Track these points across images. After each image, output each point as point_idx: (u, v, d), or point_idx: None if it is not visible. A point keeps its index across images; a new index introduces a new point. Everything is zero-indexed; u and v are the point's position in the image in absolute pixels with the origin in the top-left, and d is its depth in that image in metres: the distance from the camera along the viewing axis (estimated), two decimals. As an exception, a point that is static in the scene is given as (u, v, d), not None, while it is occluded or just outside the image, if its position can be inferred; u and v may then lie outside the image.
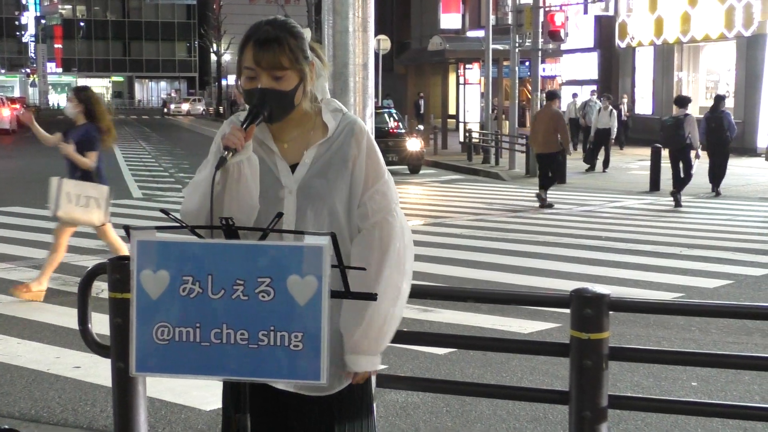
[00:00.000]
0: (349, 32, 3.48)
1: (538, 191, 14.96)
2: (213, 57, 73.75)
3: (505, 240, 11.28)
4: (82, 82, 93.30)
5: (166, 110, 71.09)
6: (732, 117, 17.10)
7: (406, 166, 21.02)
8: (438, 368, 5.91)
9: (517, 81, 23.38)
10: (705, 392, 5.50)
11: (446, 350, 6.13)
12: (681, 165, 14.83)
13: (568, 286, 3.87)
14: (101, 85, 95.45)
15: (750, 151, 25.39)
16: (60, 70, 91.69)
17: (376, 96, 28.27)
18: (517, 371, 5.86)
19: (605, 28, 33.64)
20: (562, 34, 23.03)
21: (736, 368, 5.30)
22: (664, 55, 30.81)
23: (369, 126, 3.41)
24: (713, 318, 6.82)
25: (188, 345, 2.18)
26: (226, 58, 69.64)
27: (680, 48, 30.30)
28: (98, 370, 5.55)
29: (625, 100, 28.74)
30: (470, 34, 38.58)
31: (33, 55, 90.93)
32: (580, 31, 33.55)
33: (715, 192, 16.38)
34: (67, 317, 6.92)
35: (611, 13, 33.01)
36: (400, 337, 4.10)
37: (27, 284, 7.77)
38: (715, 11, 27.80)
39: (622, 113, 26.98)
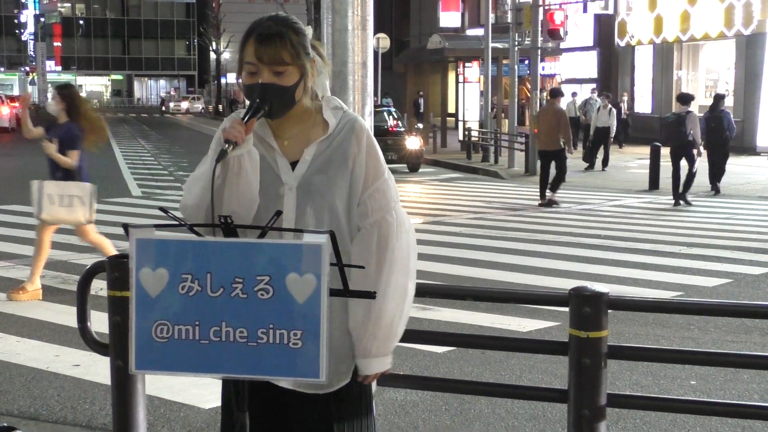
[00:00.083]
0: (348, 30, 3.48)
1: (549, 196, 14.91)
2: (212, 55, 73.69)
3: (504, 238, 11.28)
4: (81, 80, 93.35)
5: (164, 108, 71.03)
6: (732, 116, 17.11)
7: (405, 165, 21.02)
8: (437, 366, 5.91)
9: (516, 79, 23.38)
10: (704, 391, 5.50)
11: (445, 349, 6.13)
12: (683, 163, 14.79)
13: (567, 284, 3.87)
14: (100, 83, 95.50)
15: (749, 149, 25.39)
16: (59, 68, 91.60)
17: (375, 94, 28.28)
18: (516, 370, 5.87)
19: (605, 27, 33.63)
20: (562, 33, 23.02)
21: (734, 367, 5.30)
22: (664, 54, 30.81)
23: (368, 124, 3.41)
24: (712, 317, 6.83)
25: (187, 343, 2.18)
26: (226, 56, 69.63)
27: (680, 47, 30.29)
28: (97, 369, 5.55)
29: (625, 99, 28.73)
30: (469, 32, 38.56)
31: (32, 53, 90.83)
32: (579, 30, 33.52)
33: (715, 190, 16.38)
34: (66, 315, 6.92)
35: (611, 11, 33.01)
36: (399, 335, 4.09)
37: (22, 286, 7.76)
38: (714, 10, 27.80)
39: (622, 112, 26.97)
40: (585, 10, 32.54)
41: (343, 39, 3.49)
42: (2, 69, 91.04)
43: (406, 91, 45.20)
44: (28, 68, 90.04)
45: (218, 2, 73.18)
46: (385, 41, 29.61)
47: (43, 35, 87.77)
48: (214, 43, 69.22)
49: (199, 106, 71.77)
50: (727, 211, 14.15)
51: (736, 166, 18.32)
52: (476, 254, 10.02)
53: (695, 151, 14.73)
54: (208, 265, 2.17)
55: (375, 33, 20.76)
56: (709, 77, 30.07)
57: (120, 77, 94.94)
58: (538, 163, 15.84)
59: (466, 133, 25.41)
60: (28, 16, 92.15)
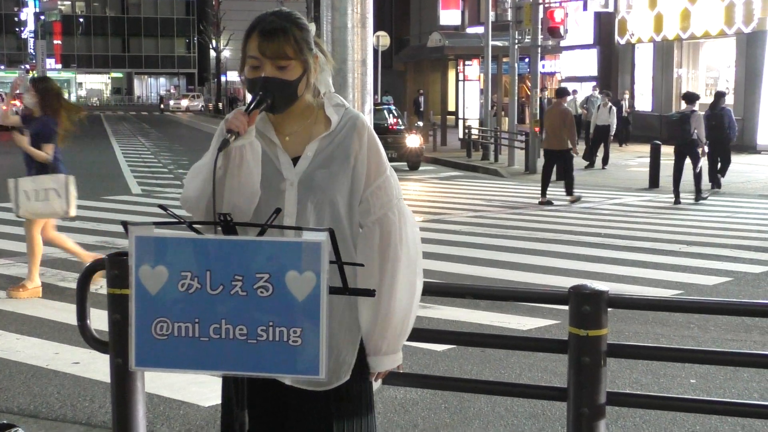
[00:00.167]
0: (348, 28, 3.48)
1: (567, 196, 14.94)
2: (212, 53, 73.66)
3: (504, 237, 11.28)
4: (81, 78, 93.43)
5: (163, 106, 70.94)
6: (733, 114, 17.14)
7: (405, 163, 21.02)
8: (436, 365, 5.91)
9: (516, 78, 23.37)
10: (703, 389, 5.50)
11: (445, 347, 6.13)
12: (687, 161, 14.80)
13: (567, 282, 3.87)
14: (100, 81, 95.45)
15: (750, 148, 25.38)
16: (59, 66, 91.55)
17: (375, 92, 28.26)
18: (516, 368, 5.87)
19: (605, 25, 33.62)
20: (562, 31, 23.00)
21: (734, 365, 5.29)
22: (664, 52, 30.79)
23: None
24: (712, 315, 6.83)
25: (187, 340, 2.18)
26: (226, 54, 69.58)
27: (680, 45, 30.28)
28: (97, 366, 5.55)
29: (626, 97, 28.71)
30: (469, 30, 38.51)
31: (32, 51, 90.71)
32: (579, 28, 33.51)
33: (717, 186, 16.38)
34: (65, 313, 6.92)
35: (611, 9, 32.98)
36: (399, 333, 4.09)
37: (22, 284, 7.75)
38: (715, 8, 27.79)
39: (623, 110, 26.97)
40: (585, 8, 32.52)
41: (343, 37, 3.49)
42: (2, 67, 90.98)
43: (406, 89, 45.19)
44: (28, 66, 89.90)
45: (218, 0, 73.13)
46: (385, 39, 29.60)
47: (43, 33, 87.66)
48: (214, 41, 69.19)
49: (198, 104, 71.74)
50: (727, 210, 14.15)
51: (736, 164, 18.32)
52: (476, 252, 10.02)
53: (699, 150, 14.74)
54: (207, 263, 2.16)
55: (375, 31, 20.77)
56: (709, 75, 30.07)
57: (120, 75, 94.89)
58: (539, 162, 15.85)
59: (466, 131, 25.40)
60: (28, 14, 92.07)
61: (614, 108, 22.21)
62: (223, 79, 68.52)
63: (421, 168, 21.61)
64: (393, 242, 2.49)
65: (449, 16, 39.88)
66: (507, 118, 25.17)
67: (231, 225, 2.21)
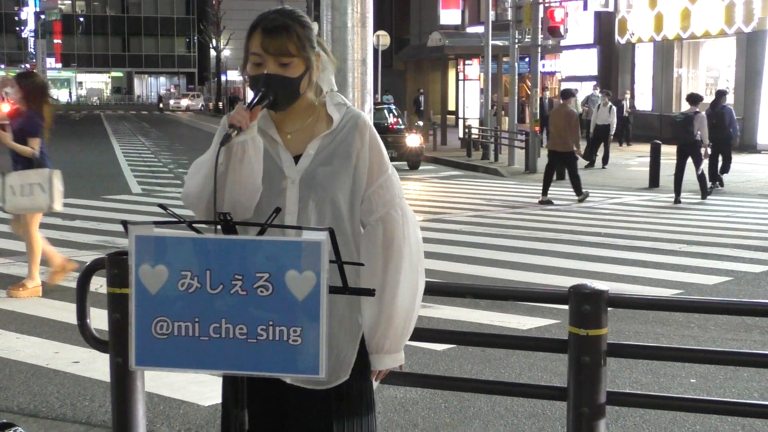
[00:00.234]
0: (348, 28, 3.48)
1: (576, 195, 14.96)
2: (212, 53, 73.67)
3: (504, 236, 11.28)
4: (81, 77, 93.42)
5: (162, 105, 70.84)
6: (734, 113, 17.16)
7: (405, 162, 21.02)
8: (436, 364, 5.91)
9: (516, 77, 23.36)
10: (704, 389, 5.50)
11: (445, 346, 6.13)
12: (689, 161, 14.84)
13: (567, 282, 3.87)
14: (100, 81, 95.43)
15: (750, 147, 25.38)
16: (59, 65, 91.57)
17: (375, 92, 28.25)
18: (516, 367, 5.86)
19: (605, 24, 33.62)
20: (562, 30, 22.99)
21: (734, 365, 5.30)
22: (664, 52, 30.79)
23: (368, 121, 3.41)
24: (712, 315, 6.83)
25: (187, 339, 2.18)
26: (226, 53, 69.58)
27: (680, 44, 30.28)
28: (97, 365, 5.55)
29: (627, 97, 28.73)
30: (470, 30, 38.51)
31: (32, 50, 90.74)
32: (579, 27, 33.52)
33: (713, 188, 16.39)
34: (65, 312, 6.92)
35: (611, 9, 32.96)
36: (399, 332, 4.08)
37: (22, 283, 7.75)
38: (715, 7, 27.79)
39: (624, 110, 26.99)
40: (585, 7, 32.51)
41: (343, 36, 3.49)
42: (2, 66, 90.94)
43: (406, 88, 45.17)
44: (28, 65, 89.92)
45: (218, -1, 73.15)
46: (385, 39, 29.59)
47: (44, 32, 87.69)
48: (214, 41, 69.19)
49: (198, 103, 71.73)
50: (727, 209, 14.15)
51: (736, 164, 18.31)
52: (476, 252, 10.02)
53: (702, 151, 14.77)
54: (207, 262, 2.16)
55: (375, 30, 20.76)
56: (709, 75, 30.07)
57: (120, 74, 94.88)
58: (539, 161, 15.85)
59: (466, 130, 25.40)
60: (28, 14, 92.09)
61: (614, 107, 22.20)
62: (223, 78, 68.54)
63: (421, 167, 21.61)
64: (397, 241, 2.49)
65: (449, 16, 39.88)
66: (507, 118, 25.17)
67: (231, 224, 2.21)
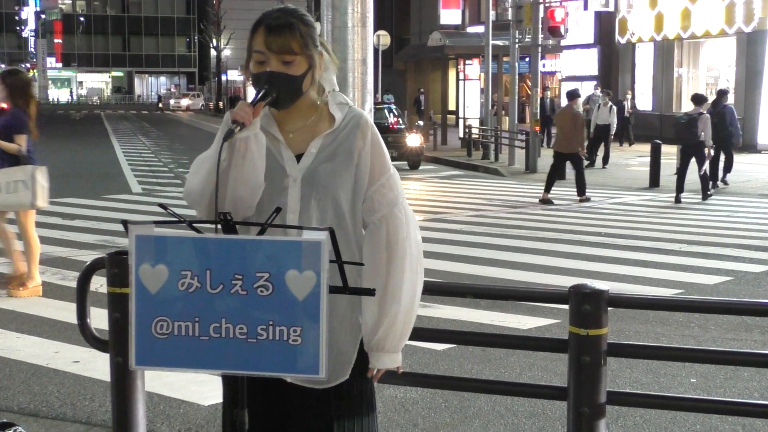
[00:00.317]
0: (348, 27, 3.48)
1: (578, 195, 15.00)
2: (213, 52, 73.68)
3: (504, 236, 11.28)
4: (81, 77, 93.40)
5: (161, 105, 70.76)
6: (735, 112, 17.18)
7: (405, 162, 21.02)
8: (437, 364, 5.91)
9: (516, 77, 23.36)
10: (704, 389, 5.50)
11: (445, 346, 6.13)
12: (693, 161, 14.90)
13: (567, 282, 3.87)
14: (101, 80, 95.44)
15: (750, 147, 25.38)
16: (60, 65, 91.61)
17: (376, 92, 28.24)
18: (516, 367, 5.86)
19: (605, 24, 33.61)
20: (562, 30, 23.00)
21: (735, 365, 5.30)
22: (664, 51, 30.79)
23: (368, 121, 3.41)
24: (712, 314, 6.83)
25: (187, 339, 2.18)
26: (226, 53, 69.60)
27: (680, 44, 30.27)
28: (97, 365, 5.55)
29: (629, 97, 28.73)
30: (470, 29, 38.50)
31: (33, 50, 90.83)
32: (580, 27, 33.51)
33: (715, 187, 16.39)
34: (66, 312, 6.92)
35: (611, 9, 32.95)
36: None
37: (22, 282, 7.74)
38: (715, 7, 27.78)
39: (626, 110, 27.01)
40: (586, 7, 32.50)
41: (343, 36, 3.49)
42: (3, 66, 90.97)
43: (406, 88, 45.16)
44: (28, 65, 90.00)
45: (219, -1, 73.17)
46: (385, 38, 29.58)
47: (44, 32, 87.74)
48: (214, 40, 69.20)
49: (199, 102, 71.74)
50: (727, 209, 14.15)
51: (736, 163, 18.31)
52: (476, 252, 10.02)
53: (705, 152, 14.80)
54: (207, 262, 2.16)
55: (375, 30, 20.77)
56: (709, 75, 30.07)
57: (120, 74, 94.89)
58: (539, 161, 15.84)
59: (467, 130, 25.39)
60: (28, 13, 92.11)
61: (614, 107, 22.21)
62: (223, 78, 68.57)
63: (421, 167, 21.61)
64: (401, 240, 2.50)
65: (450, 16, 39.86)
66: (507, 118, 25.17)
67: (231, 224, 2.21)
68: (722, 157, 17.14)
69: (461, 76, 32.76)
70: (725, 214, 13.60)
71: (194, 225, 2.26)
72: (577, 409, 3.31)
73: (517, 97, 24.07)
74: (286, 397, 2.51)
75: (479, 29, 31.44)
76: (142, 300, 2.19)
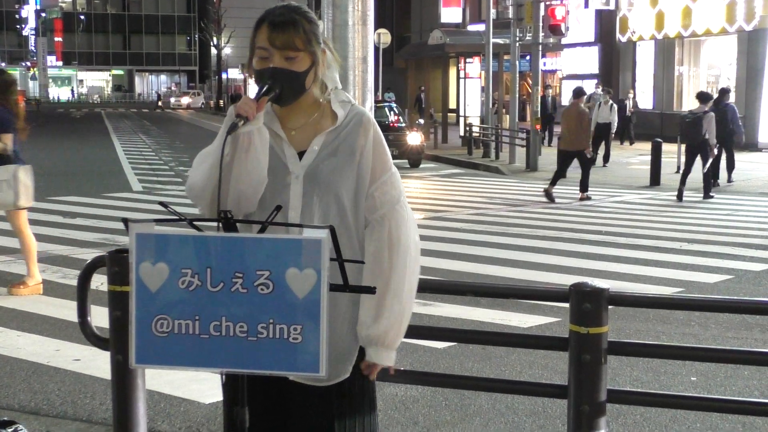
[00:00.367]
0: (349, 25, 3.48)
1: (581, 192, 15.02)
2: (213, 50, 73.66)
3: (504, 234, 11.28)
4: (82, 75, 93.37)
5: (160, 103, 70.63)
6: (737, 111, 17.20)
7: (406, 160, 21.01)
8: (437, 362, 5.91)
9: (517, 75, 23.35)
10: (704, 387, 5.50)
11: (445, 344, 6.13)
12: (698, 159, 14.97)
13: (568, 280, 3.87)
14: (101, 79, 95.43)
15: (751, 146, 25.35)
16: (60, 63, 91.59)
17: (376, 90, 28.23)
18: (516, 365, 5.87)
19: (606, 22, 33.60)
20: (563, 28, 22.98)
21: (735, 363, 5.30)
22: (665, 50, 30.77)
23: (369, 119, 3.41)
24: (713, 313, 6.83)
25: (187, 337, 2.18)
26: (227, 51, 69.55)
27: (681, 42, 30.26)
28: (98, 363, 5.56)
29: (631, 96, 28.69)
30: (471, 28, 38.48)
31: (33, 48, 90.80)
32: (580, 25, 33.50)
33: (715, 186, 16.41)
34: (66, 310, 6.92)
35: (612, 7, 32.97)
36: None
37: (23, 281, 7.75)
38: (716, 5, 27.77)
39: (627, 108, 27.00)
40: (586, 5, 32.51)
41: (344, 34, 3.49)
42: (3, 64, 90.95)
43: (407, 86, 45.13)
44: (29, 63, 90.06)
45: (219, -3, 73.13)
46: (386, 37, 29.58)
47: (44, 30, 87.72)
48: (215, 39, 69.18)
49: (199, 101, 71.73)
50: (728, 208, 14.15)
51: (737, 162, 18.29)
52: (477, 250, 10.02)
53: (709, 150, 14.85)
54: (208, 260, 2.16)
55: (376, 28, 20.67)
56: (710, 73, 30.06)
57: (121, 72, 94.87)
58: (540, 159, 15.82)
59: (467, 128, 25.38)
60: (29, 12, 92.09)
61: (615, 105, 22.19)
62: (224, 76, 68.53)
63: (422, 165, 21.60)
64: (403, 237, 2.51)
65: (450, 14, 39.84)
66: (508, 116, 25.15)
67: (231, 222, 2.22)
68: (723, 156, 17.15)
69: (462, 74, 32.72)
70: (726, 212, 13.59)
71: (195, 223, 2.26)
72: (577, 407, 3.32)
73: (517, 96, 24.06)
74: (287, 396, 2.51)
75: (480, 27, 31.42)
76: (142, 298, 2.20)
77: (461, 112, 31.53)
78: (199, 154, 2.50)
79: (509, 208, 14.01)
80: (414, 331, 4.45)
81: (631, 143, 27.68)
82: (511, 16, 23.92)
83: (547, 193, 14.93)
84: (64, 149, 25.89)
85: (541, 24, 21.88)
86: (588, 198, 15.03)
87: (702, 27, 28.62)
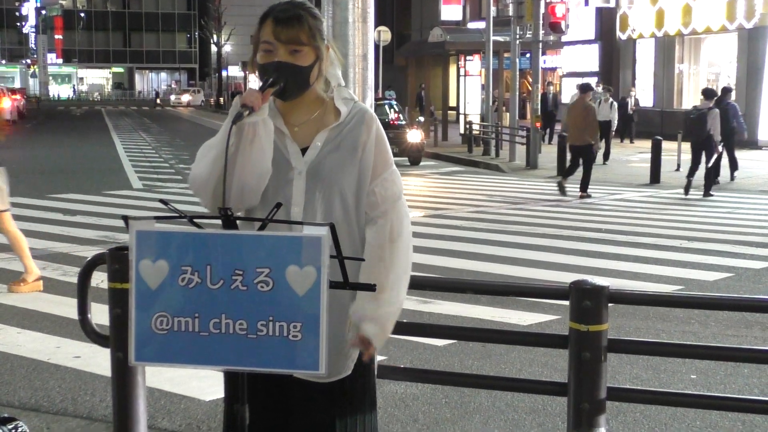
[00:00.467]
0: (349, 23, 3.48)
1: (580, 191, 15.07)
2: (213, 48, 73.65)
3: (504, 232, 11.28)
4: (82, 72, 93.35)
5: (159, 101, 70.56)
6: (739, 109, 17.21)
7: (406, 158, 21.00)
8: (437, 360, 5.91)
9: (517, 73, 23.34)
10: (704, 385, 5.51)
11: (445, 342, 6.13)
12: (703, 155, 15.07)
13: (568, 278, 3.87)
14: (102, 76, 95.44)
15: (751, 143, 25.35)
16: (60, 61, 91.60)
17: (377, 87, 28.21)
18: (516, 363, 5.87)
19: (606, 20, 33.58)
20: (563, 26, 22.97)
21: (735, 361, 5.30)
22: (665, 47, 30.75)
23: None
24: (713, 311, 6.83)
25: (187, 335, 2.18)
26: (227, 49, 69.53)
27: (681, 40, 30.24)
28: (98, 360, 5.56)
29: (633, 94, 28.70)
30: (471, 25, 38.47)
31: (33, 46, 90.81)
32: (581, 23, 33.47)
33: (715, 183, 16.43)
34: (67, 307, 6.92)
35: (612, 4, 32.94)
36: (400, 328, 4.09)
37: (22, 278, 7.74)
38: (716, 3, 27.75)
39: (629, 107, 26.99)
40: (586, 3, 32.48)
41: (344, 31, 3.49)
42: (3, 62, 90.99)
43: (407, 84, 45.12)
44: (29, 61, 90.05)
45: (219, -5, 73.09)
46: (386, 34, 29.55)
47: (44, 28, 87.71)
48: (215, 36, 69.17)
49: (199, 99, 71.75)
50: (728, 205, 14.15)
51: (738, 159, 18.30)
52: (477, 248, 10.02)
53: (714, 146, 14.90)
54: (208, 258, 2.16)
55: (376, 26, 20.63)
56: (710, 71, 30.03)
57: (121, 70, 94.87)
58: (540, 157, 15.84)
59: (468, 126, 25.37)
60: (29, 9, 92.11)
61: (615, 103, 22.19)
62: (224, 74, 68.52)
63: (422, 163, 21.60)
64: (404, 233, 2.52)
65: (450, 11, 39.84)
66: (508, 114, 25.15)
67: (232, 219, 2.22)
68: (724, 154, 17.16)
69: (462, 72, 32.73)
70: (726, 210, 13.60)
71: (195, 220, 2.26)
72: (577, 404, 3.32)
73: (517, 93, 24.05)
74: (288, 393, 2.52)
75: (480, 25, 31.43)
76: (142, 295, 2.20)
77: (461, 110, 31.53)
78: (203, 145, 2.50)
79: (509, 206, 14.01)
80: (414, 329, 4.46)
81: (631, 141, 27.69)
82: (511, 13, 23.91)
83: (560, 186, 15.05)
84: (64, 147, 25.89)
85: (541, 22, 21.87)
86: (588, 196, 15.05)
87: (702, 25, 28.60)
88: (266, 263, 2.14)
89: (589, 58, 34.67)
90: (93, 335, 3.96)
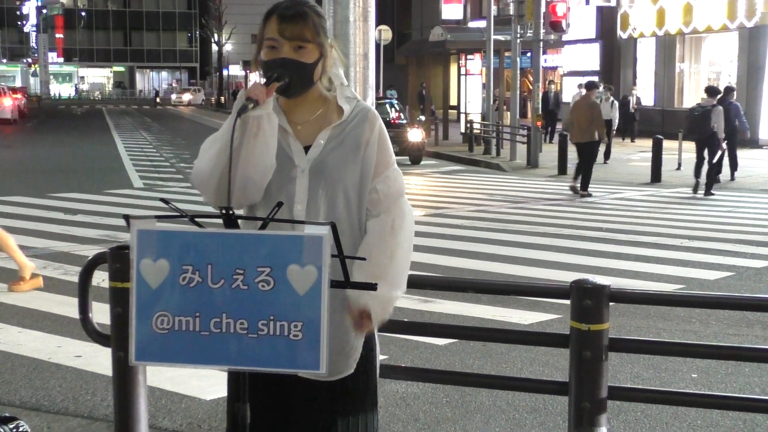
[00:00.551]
0: (350, 22, 3.48)
1: (581, 190, 15.14)
2: (214, 47, 73.65)
3: (505, 231, 11.28)
4: (83, 71, 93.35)
5: (158, 100, 70.51)
6: (741, 109, 17.22)
7: (407, 157, 21.00)
8: (438, 359, 5.91)
9: (518, 72, 23.34)
10: (705, 384, 5.51)
11: (446, 341, 6.13)
12: (706, 153, 15.14)
13: (569, 277, 3.87)
14: (102, 75, 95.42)
15: (752, 142, 25.34)
16: (61, 60, 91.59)
17: (378, 87, 28.21)
18: (517, 362, 5.87)
19: (607, 19, 33.56)
20: (564, 25, 22.95)
21: (736, 360, 5.29)
22: (666, 46, 30.74)
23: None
24: (714, 309, 6.83)
25: (188, 334, 2.18)
26: (228, 48, 69.53)
27: (682, 39, 30.23)
28: (99, 360, 5.56)
29: (635, 93, 28.68)
30: (471, 24, 38.45)
31: (34, 45, 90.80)
32: (581, 22, 33.45)
33: (716, 182, 16.44)
34: (67, 306, 6.92)
35: (613, 3, 32.91)
36: (401, 327, 4.09)
37: (20, 276, 7.74)
38: (717, 2, 27.73)
39: (631, 105, 26.98)
40: (587, 2, 32.45)
41: (345, 30, 3.49)
42: (4, 61, 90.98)
43: (408, 83, 45.13)
44: (30, 60, 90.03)
45: (220, -6, 73.09)
46: (387, 33, 29.54)
47: (45, 27, 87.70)
48: (215, 35, 69.17)
49: (200, 98, 71.77)
50: (729, 204, 14.14)
51: (738, 159, 18.30)
52: (478, 247, 10.02)
53: (718, 143, 14.93)
54: (209, 257, 2.16)
55: (376, 25, 20.66)
56: (711, 70, 30.02)
57: (122, 69, 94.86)
58: (540, 156, 15.82)
59: (468, 125, 25.36)
60: (30, 8, 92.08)
61: (615, 102, 22.18)
62: (224, 73, 68.51)
63: (422, 162, 21.59)
64: (405, 230, 2.52)
65: (451, 10, 39.82)
66: (509, 113, 25.14)
67: (233, 218, 2.22)
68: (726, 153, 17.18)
69: (463, 71, 32.71)
70: (726, 209, 13.59)
71: (196, 219, 2.26)
72: (578, 403, 3.32)
73: (518, 92, 24.05)
74: (289, 392, 2.52)
75: (481, 24, 31.41)
76: (142, 295, 2.19)
77: (462, 109, 31.51)
78: (207, 140, 2.51)
79: (510, 205, 14.01)
80: (415, 328, 4.46)
81: (632, 140, 27.68)
82: (512, 12, 23.89)
83: (573, 188, 15.14)
84: (65, 146, 25.89)
85: (542, 21, 21.86)
86: (589, 195, 15.06)
87: (703, 24, 28.58)
88: (267, 262, 2.14)
89: (589, 57, 34.66)
90: (94, 334, 3.96)
